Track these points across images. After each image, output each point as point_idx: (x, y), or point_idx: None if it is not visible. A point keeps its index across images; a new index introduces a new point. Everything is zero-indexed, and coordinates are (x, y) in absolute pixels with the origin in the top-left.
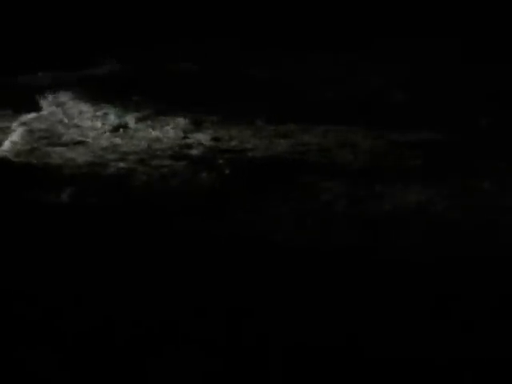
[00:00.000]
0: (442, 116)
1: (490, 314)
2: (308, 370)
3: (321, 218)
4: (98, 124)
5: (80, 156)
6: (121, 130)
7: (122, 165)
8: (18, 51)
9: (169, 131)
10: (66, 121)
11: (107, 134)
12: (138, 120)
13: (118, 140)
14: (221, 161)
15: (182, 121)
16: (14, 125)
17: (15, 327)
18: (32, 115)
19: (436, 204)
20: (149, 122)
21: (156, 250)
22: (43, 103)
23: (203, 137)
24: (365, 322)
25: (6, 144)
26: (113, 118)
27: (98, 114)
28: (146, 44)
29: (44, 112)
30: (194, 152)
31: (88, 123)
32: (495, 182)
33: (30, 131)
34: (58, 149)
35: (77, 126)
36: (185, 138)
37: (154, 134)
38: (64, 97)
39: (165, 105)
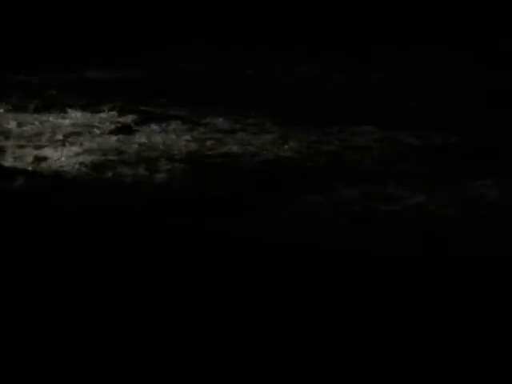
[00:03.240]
0: (449, 119)
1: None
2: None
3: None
4: (101, 125)
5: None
6: (123, 130)
7: (126, 165)
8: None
9: (171, 131)
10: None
11: (109, 134)
12: (140, 121)
13: (120, 141)
14: (229, 162)
15: (183, 121)
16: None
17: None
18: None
19: (437, 204)
20: (150, 123)
21: (160, 248)
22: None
23: (208, 137)
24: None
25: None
26: (115, 119)
27: (100, 114)
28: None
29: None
30: (200, 153)
31: (90, 124)
32: (497, 183)
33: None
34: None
35: (80, 126)
36: (188, 138)
37: (156, 134)
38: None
39: (167, 105)
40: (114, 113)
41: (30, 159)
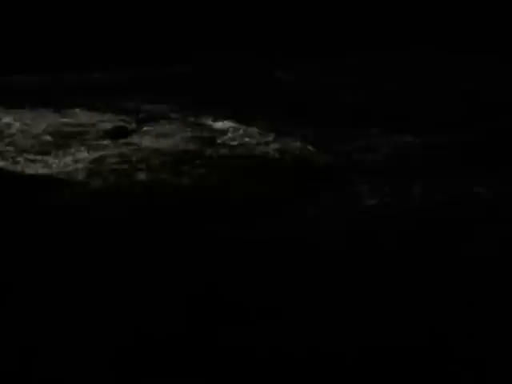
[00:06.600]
0: (448, 120)
1: None
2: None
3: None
4: (99, 126)
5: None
6: (121, 132)
7: (138, 169)
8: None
9: (174, 132)
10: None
11: (108, 136)
12: (140, 121)
13: (119, 142)
14: (243, 163)
15: (185, 122)
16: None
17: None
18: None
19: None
20: (152, 124)
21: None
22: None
23: (215, 137)
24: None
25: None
26: (112, 121)
27: (99, 116)
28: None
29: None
30: (209, 154)
31: (89, 125)
32: (494, 182)
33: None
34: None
35: (80, 127)
36: (194, 139)
37: (158, 135)
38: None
39: (168, 106)
40: (114, 113)
41: (30, 162)
